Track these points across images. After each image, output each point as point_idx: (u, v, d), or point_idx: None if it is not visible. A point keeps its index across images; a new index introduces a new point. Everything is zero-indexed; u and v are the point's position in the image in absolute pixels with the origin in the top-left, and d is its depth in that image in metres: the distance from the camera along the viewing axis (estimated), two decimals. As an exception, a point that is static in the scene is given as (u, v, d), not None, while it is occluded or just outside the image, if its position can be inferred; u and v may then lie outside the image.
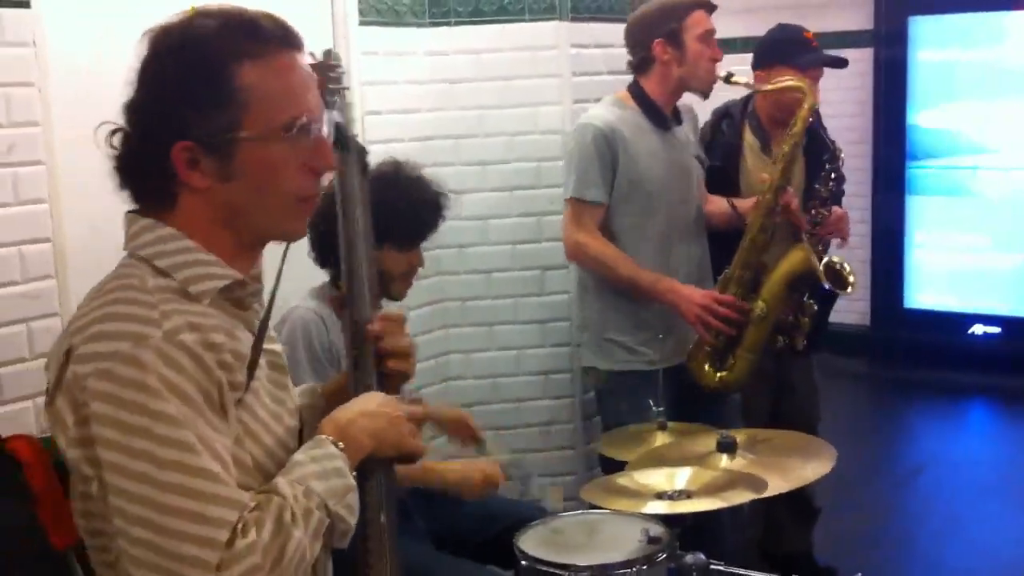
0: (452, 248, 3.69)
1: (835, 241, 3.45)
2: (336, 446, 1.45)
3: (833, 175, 3.32)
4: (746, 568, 2.19)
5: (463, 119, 3.66)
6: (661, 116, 3.14)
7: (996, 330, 6.23)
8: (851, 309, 6.43)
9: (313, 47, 1.58)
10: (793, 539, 3.72)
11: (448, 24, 3.64)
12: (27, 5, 2.51)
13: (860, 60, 6.49)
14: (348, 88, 1.69)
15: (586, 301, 3.25)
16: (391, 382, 1.62)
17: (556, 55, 3.65)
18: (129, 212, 1.47)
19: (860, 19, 6.60)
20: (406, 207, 2.46)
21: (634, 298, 3.11)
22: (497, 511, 2.63)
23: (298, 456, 1.44)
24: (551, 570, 2.06)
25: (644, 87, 3.15)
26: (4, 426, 2.43)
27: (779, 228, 3.14)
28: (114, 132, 1.45)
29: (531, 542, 2.18)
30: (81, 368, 1.32)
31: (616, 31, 3.72)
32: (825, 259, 3.34)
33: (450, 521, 2.61)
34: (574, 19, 3.66)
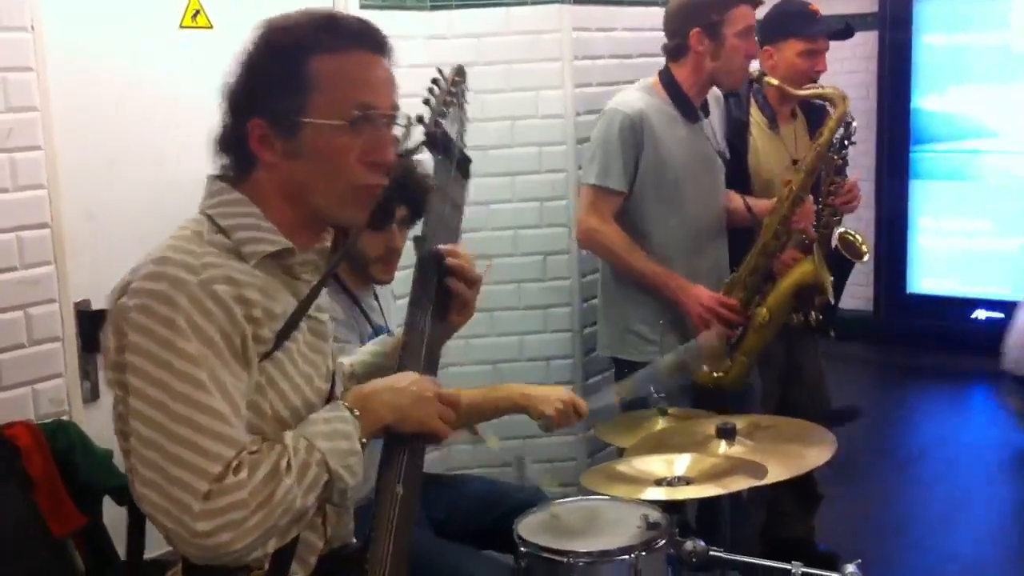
0: (453, 234, 3.67)
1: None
2: (351, 412, 1.57)
3: (847, 142, 3.31)
4: (747, 555, 2.18)
5: (464, 104, 3.64)
6: (689, 107, 3.10)
7: (999, 315, 6.20)
8: (854, 294, 6.40)
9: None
10: (795, 525, 3.72)
11: (449, 8, 3.62)
12: (25, -11, 2.51)
13: (865, 43, 6.47)
14: (468, 103, 1.89)
15: (614, 292, 3.22)
16: (456, 312, 1.76)
17: (558, 39, 3.63)
18: (211, 176, 1.65)
19: (865, 1, 6.56)
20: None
21: (641, 289, 3.10)
22: (496, 497, 2.62)
23: (313, 416, 1.57)
24: (550, 556, 2.06)
25: (675, 75, 3.10)
26: (3, 412, 2.44)
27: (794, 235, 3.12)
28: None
29: (530, 528, 2.17)
30: (128, 300, 1.49)
31: (618, 15, 3.71)
32: (840, 230, 3.36)
33: (449, 507, 2.61)
34: (576, 2, 3.64)
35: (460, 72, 1.88)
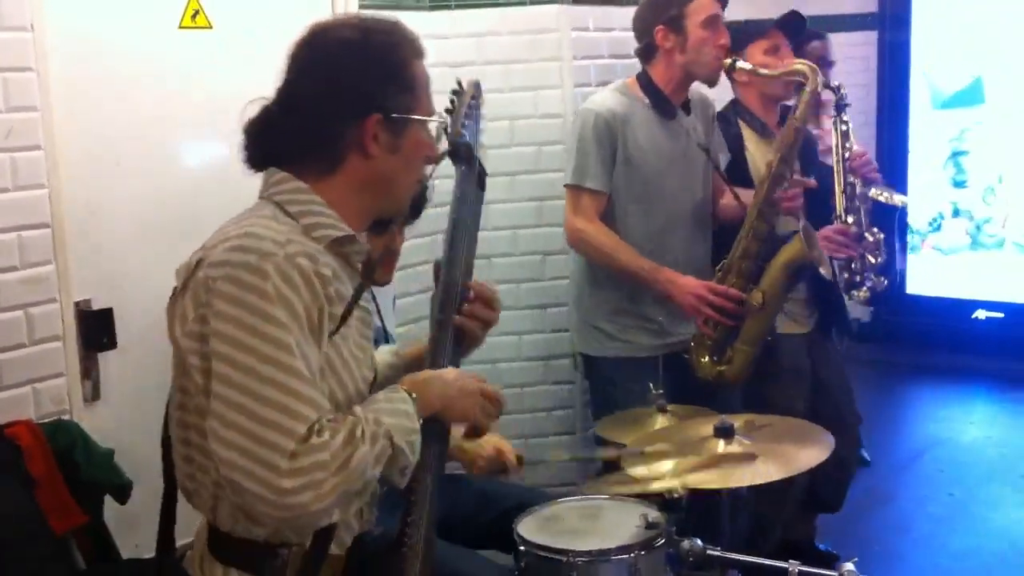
0: (453, 233, 3.68)
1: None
2: (410, 395, 1.66)
3: (844, 105, 3.37)
4: (744, 554, 2.19)
5: (464, 103, 3.64)
6: (667, 105, 3.11)
7: (999, 315, 6.21)
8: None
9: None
10: (795, 525, 3.72)
11: (448, 8, 3.63)
12: (25, -11, 2.51)
13: (865, 43, 6.47)
14: (484, 116, 2.03)
15: (582, 288, 3.25)
16: (466, 341, 1.88)
17: (557, 39, 3.64)
18: (270, 167, 1.73)
19: (864, 1, 6.57)
20: None
21: (633, 286, 3.10)
22: (495, 496, 2.62)
23: (376, 395, 1.67)
24: (549, 555, 2.07)
25: (651, 75, 3.12)
26: (4, 412, 2.44)
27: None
28: (275, 108, 1.70)
29: (530, 527, 2.18)
30: (213, 272, 1.57)
31: (617, 14, 3.71)
32: (872, 190, 3.41)
33: (449, 506, 2.61)
34: (575, 2, 3.65)
35: (478, 87, 2.00)
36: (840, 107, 3.40)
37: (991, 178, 6.21)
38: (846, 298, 3.51)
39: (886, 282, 3.42)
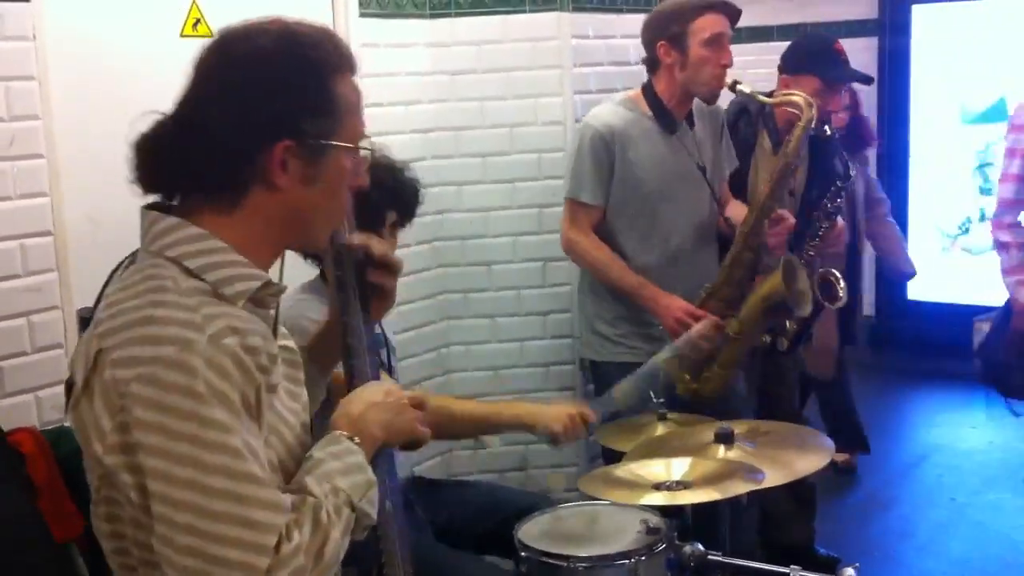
0: (453, 240, 3.69)
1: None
2: (352, 441, 1.48)
3: (843, 193, 3.34)
4: (745, 559, 2.19)
5: (464, 111, 3.66)
6: (669, 118, 3.10)
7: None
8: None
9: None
10: (794, 530, 3.72)
11: (449, 15, 3.64)
12: (27, -1, 2.52)
13: (865, 49, 6.48)
14: None
15: (584, 294, 3.28)
16: (376, 303, 1.67)
17: (557, 46, 3.64)
18: (147, 208, 1.48)
19: (865, 8, 6.58)
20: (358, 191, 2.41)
21: (610, 294, 3.15)
22: (497, 502, 2.63)
23: (318, 453, 1.45)
24: (551, 561, 2.07)
25: (655, 87, 3.12)
26: (6, 419, 2.44)
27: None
28: (171, 124, 1.47)
29: (531, 533, 2.19)
30: (122, 373, 1.31)
31: (617, 22, 3.72)
32: (821, 270, 3.34)
33: (451, 511, 2.62)
34: (575, 10, 3.65)
35: None
36: (837, 193, 3.34)
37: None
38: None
39: (787, 345, 3.34)
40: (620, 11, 3.79)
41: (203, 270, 1.40)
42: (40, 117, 2.56)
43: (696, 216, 3.18)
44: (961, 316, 6.26)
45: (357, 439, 1.48)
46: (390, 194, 2.41)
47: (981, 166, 6.43)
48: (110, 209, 2.75)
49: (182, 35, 2.91)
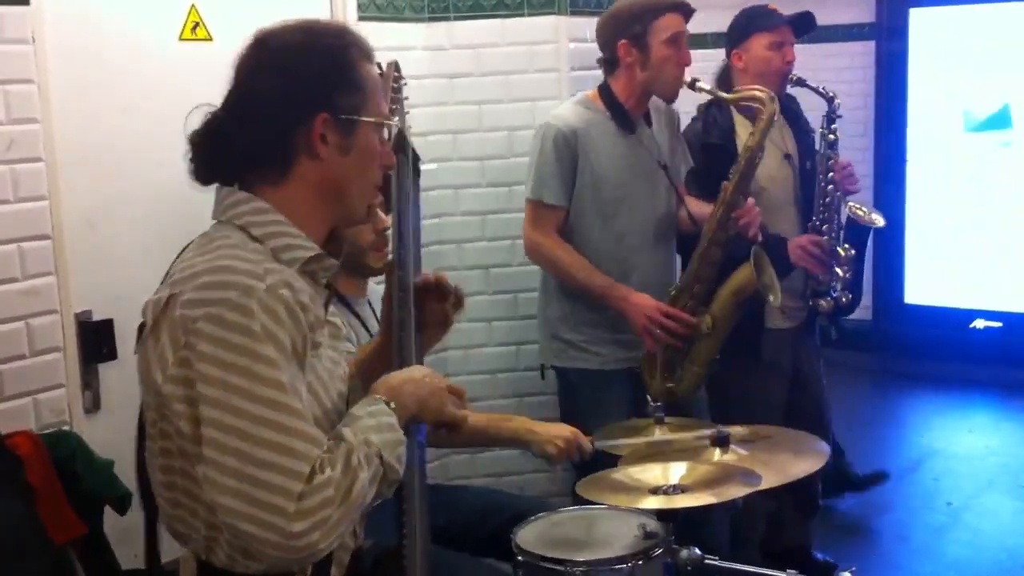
0: (451, 244, 3.70)
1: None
2: (388, 405, 1.63)
3: (835, 117, 3.40)
4: (742, 563, 2.19)
5: (462, 114, 3.67)
6: (627, 118, 3.10)
7: (997, 324, 6.22)
8: (853, 303, 6.42)
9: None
10: (792, 534, 3.72)
11: (447, 19, 3.64)
12: (26, 2, 2.53)
13: (862, 53, 6.50)
14: (408, 98, 1.98)
15: (548, 299, 3.25)
16: (434, 331, 1.91)
17: (555, 50, 3.65)
18: (222, 186, 1.68)
19: (862, 11, 6.59)
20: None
21: (589, 301, 3.11)
22: (495, 506, 2.63)
23: (356, 411, 1.62)
24: (548, 565, 2.07)
25: (612, 87, 3.11)
26: (4, 422, 2.45)
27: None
28: (223, 114, 1.66)
29: (529, 537, 2.19)
30: (191, 312, 1.49)
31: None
32: (847, 209, 3.42)
33: (448, 515, 2.62)
34: (573, 13, 3.67)
35: (398, 68, 1.96)
36: (831, 118, 3.43)
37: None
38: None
39: (851, 297, 3.41)
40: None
41: (265, 237, 1.61)
42: (39, 120, 2.57)
43: (656, 214, 3.17)
44: (958, 320, 6.32)
45: (393, 404, 1.64)
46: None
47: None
48: (109, 212, 2.76)
49: (181, 39, 2.91)
